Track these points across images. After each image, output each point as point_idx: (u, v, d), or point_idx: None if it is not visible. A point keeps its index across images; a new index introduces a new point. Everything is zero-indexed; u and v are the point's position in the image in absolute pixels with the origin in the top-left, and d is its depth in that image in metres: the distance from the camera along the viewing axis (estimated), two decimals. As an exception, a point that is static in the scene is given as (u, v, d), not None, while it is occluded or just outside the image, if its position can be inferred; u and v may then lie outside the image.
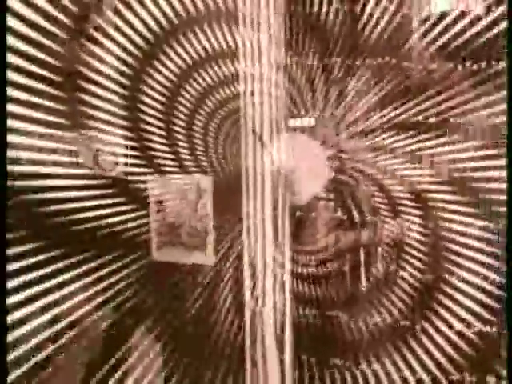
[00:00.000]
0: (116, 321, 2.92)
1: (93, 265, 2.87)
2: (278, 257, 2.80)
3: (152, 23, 2.93)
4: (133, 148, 3.03)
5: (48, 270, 2.79)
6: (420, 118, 2.57)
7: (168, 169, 2.98)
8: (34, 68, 2.83)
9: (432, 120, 2.55)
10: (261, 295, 2.85)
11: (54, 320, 2.82)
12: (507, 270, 2.53)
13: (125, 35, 2.95)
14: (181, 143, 2.95)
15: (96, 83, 2.99)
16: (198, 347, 3.01)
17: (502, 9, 2.43)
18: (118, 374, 2.79)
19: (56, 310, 2.82)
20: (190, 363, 3.01)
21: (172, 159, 2.97)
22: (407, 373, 2.67)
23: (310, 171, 2.76)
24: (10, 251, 2.66)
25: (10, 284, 2.60)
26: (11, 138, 2.87)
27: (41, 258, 2.82)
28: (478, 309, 2.54)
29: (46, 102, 2.95)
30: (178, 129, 2.96)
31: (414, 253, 2.65)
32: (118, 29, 2.95)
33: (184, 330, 3.03)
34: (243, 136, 2.81)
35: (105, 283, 2.88)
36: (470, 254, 2.55)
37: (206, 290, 2.98)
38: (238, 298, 2.89)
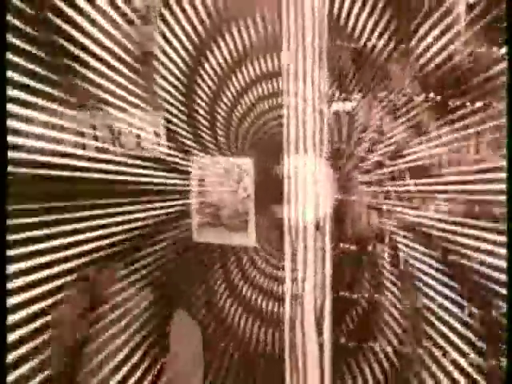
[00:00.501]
0: (156, 302, 2.97)
1: (134, 245, 2.92)
2: (319, 239, 2.81)
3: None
4: (175, 129, 3.06)
5: (92, 252, 2.86)
6: (464, 101, 2.54)
7: (210, 150, 3.00)
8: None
9: (476, 106, 2.52)
10: (301, 278, 2.87)
11: (97, 302, 2.90)
12: (507, 269, 2.53)
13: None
14: (223, 125, 2.97)
15: (146, 63, 3.04)
16: (237, 329, 3.05)
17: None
18: (155, 354, 2.85)
19: (98, 291, 2.89)
20: (228, 345, 3.06)
21: (214, 141, 3.00)
22: (449, 356, 2.67)
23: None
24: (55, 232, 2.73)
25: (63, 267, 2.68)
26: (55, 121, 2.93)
27: (85, 240, 2.89)
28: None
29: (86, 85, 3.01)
30: (220, 111, 2.97)
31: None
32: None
33: (223, 311, 3.07)
34: (285, 118, 2.82)
35: (146, 264, 2.93)
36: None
37: (246, 272, 3.01)
38: (278, 281, 2.91)
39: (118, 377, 2.79)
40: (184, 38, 2.97)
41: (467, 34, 2.53)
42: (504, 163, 2.55)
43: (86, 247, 2.89)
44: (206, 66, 2.96)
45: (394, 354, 2.78)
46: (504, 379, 2.49)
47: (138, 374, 2.80)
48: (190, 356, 2.85)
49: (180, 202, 3.10)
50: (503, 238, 2.52)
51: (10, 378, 2.48)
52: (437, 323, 2.68)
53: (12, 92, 2.79)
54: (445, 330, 2.67)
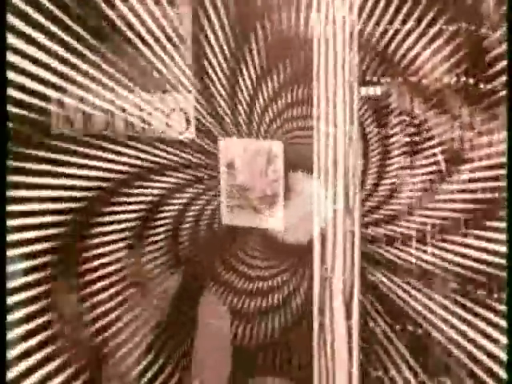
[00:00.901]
0: (185, 285, 3.00)
1: (163, 229, 2.95)
2: (349, 222, 2.83)
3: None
4: (204, 110, 3.08)
5: (119, 233, 2.90)
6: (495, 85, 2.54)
7: (240, 132, 3.02)
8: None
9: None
10: (330, 260, 2.88)
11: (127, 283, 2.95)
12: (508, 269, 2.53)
13: None
14: (253, 107, 2.98)
15: (174, 45, 3.06)
16: (265, 312, 3.08)
17: None
18: (184, 334, 2.89)
19: (128, 271, 2.93)
20: (254, 327, 3.08)
21: (244, 123, 3.01)
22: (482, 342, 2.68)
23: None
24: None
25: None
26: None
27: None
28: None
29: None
30: (251, 92, 2.98)
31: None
32: None
33: (251, 294, 3.10)
34: (316, 100, 2.82)
35: (176, 246, 2.96)
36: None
37: (275, 255, 3.03)
38: (307, 264, 2.93)
39: (149, 358, 2.84)
40: (215, 20, 2.99)
41: (495, 16, 2.52)
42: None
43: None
44: (238, 45, 2.98)
45: (423, 337, 2.79)
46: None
47: (167, 354, 2.85)
48: (218, 336, 2.89)
49: (209, 184, 3.12)
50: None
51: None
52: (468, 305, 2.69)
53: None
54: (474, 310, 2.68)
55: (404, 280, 2.78)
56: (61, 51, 3.25)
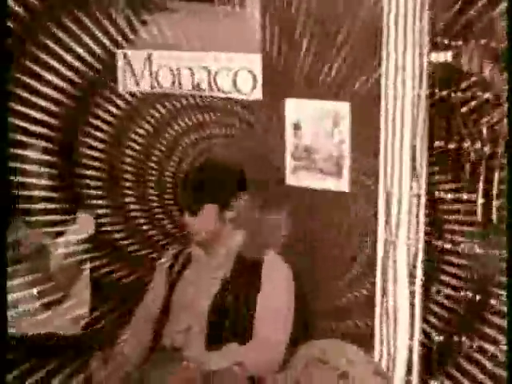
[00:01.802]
0: (249, 243, 3.05)
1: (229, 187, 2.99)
2: (415, 186, 2.83)
3: None
4: (272, 70, 3.10)
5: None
6: None
7: (306, 93, 3.04)
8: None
9: None
10: (395, 225, 2.89)
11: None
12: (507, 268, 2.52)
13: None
14: (321, 67, 2.99)
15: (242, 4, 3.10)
16: (328, 274, 3.11)
17: None
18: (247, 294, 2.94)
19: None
20: (318, 289, 3.12)
21: (311, 83, 3.03)
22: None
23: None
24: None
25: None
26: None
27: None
28: None
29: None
30: (318, 53, 2.99)
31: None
32: None
33: (316, 256, 3.13)
34: (384, 60, 2.82)
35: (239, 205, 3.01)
36: None
37: (339, 217, 3.05)
38: (372, 227, 2.94)
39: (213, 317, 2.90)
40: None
41: None
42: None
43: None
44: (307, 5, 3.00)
45: (484, 304, 2.81)
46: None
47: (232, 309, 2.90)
48: (281, 297, 2.92)
49: (273, 145, 3.16)
50: None
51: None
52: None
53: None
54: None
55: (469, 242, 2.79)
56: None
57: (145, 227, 3.55)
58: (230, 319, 2.89)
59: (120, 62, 3.41)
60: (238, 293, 2.92)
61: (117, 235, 3.59)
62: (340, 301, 3.09)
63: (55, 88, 3.50)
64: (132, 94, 3.44)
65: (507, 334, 2.52)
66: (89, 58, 3.46)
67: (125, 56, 3.40)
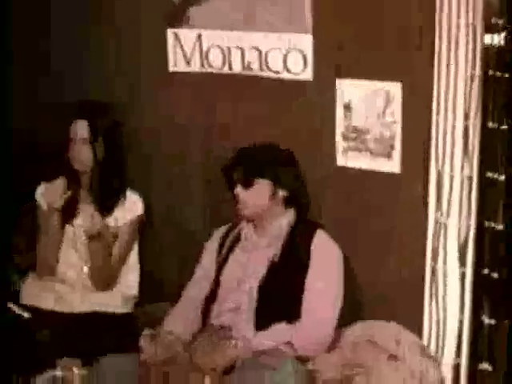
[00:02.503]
0: (299, 221, 3.08)
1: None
2: (467, 167, 2.83)
3: None
4: (322, 50, 3.11)
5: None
6: None
7: (357, 73, 3.04)
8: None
9: None
10: (446, 206, 2.89)
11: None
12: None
13: None
14: (372, 48, 3.00)
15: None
16: (377, 257, 3.12)
17: None
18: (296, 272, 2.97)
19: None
20: (366, 269, 3.14)
21: (362, 63, 3.03)
22: None
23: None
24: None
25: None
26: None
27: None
28: None
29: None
30: (370, 33, 3.00)
31: None
32: None
33: (365, 237, 3.14)
34: (437, 41, 2.82)
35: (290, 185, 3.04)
36: None
37: (390, 197, 3.06)
38: (423, 207, 2.95)
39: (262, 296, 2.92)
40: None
41: None
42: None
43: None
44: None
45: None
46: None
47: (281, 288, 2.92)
48: (330, 277, 2.94)
49: (324, 125, 3.17)
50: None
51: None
52: None
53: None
54: None
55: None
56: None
57: (193, 207, 3.58)
58: (279, 299, 2.92)
59: (170, 42, 3.46)
60: (287, 272, 2.96)
61: (166, 216, 3.64)
62: (389, 282, 3.10)
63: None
64: (182, 74, 3.48)
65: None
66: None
67: (175, 35, 3.44)
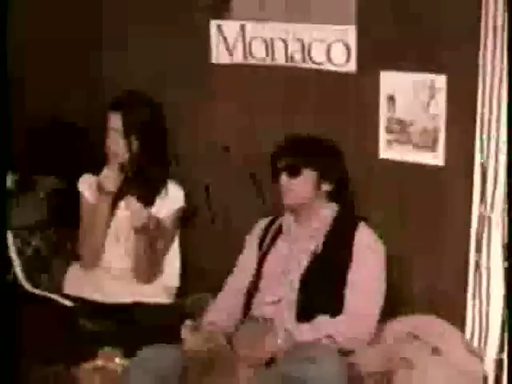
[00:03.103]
0: (341, 214, 3.09)
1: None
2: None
3: None
4: (366, 42, 3.11)
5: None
6: None
7: (401, 65, 3.04)
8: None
9: None
10: (490, 199, 2.88)
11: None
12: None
13: None
14: (416, 40, 3.00)
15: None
16: (420, 250, 3.12)
17: None
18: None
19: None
20: (409, 263, 3.14)
21: (406, 54, 3.03)
22: None
23: None
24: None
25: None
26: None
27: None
28: None
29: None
30: (414, 24, 2.99)
31: None
32: None
33: (408, 230, 3.14)
34: (482, 33, 2.81)
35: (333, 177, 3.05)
36: None
37: (433, 190, 3.06)
38: (466, 201, 2.94)
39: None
40: None
41: None
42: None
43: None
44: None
45: None
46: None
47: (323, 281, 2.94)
48: (373, 271, 2.95)
49: (367, 118, 3.18)
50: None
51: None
52: None
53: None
54: None
55: None
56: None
57: (235, 198, 3.60)
58: (321, 291, 2.94)
59: (213, 33, 3.48)
60: (329, 265, 2.98)
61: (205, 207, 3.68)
62: (432, 276, 3.10)
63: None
64: (224, 66, 3.50)
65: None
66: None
67: (218, 27, 3.46)
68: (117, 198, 3.44)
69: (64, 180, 3.70)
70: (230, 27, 3.43)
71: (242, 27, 3.39)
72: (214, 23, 3.48)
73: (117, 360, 3.07)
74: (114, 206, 3.45)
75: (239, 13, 3.41)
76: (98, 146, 3.47)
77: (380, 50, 3.10)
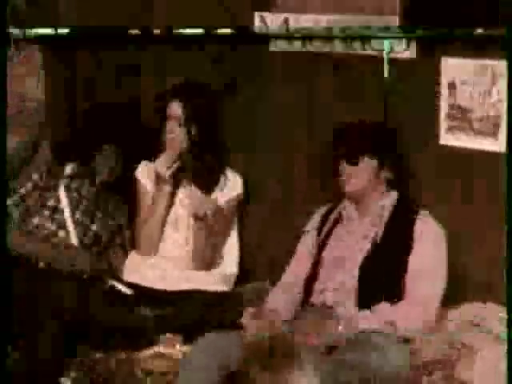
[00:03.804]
0: (401, 202, 3.11)
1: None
2: None
3: None
4: (424, 29, 3.12)
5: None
6: None
7: (462, 51, 3.04)
8: None
9: None
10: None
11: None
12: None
13: None
14: (474, 24, 2.98)
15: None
16: (481, 238, 3.12)
17: None
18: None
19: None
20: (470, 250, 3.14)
21: (465, 39, 3.02)
22: None
23: None
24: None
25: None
26: None
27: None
28: None
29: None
30: (473, 10, 2.98)
31: None
32: None
33: (468, 218, 3.14)
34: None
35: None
36: None
37: (494, 177, 3.04)
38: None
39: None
40: None
41: None
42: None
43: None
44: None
45: None
46: None
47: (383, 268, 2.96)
48: (434, 258, 2.96)
49: (427, 105, 3.18)
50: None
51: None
52: None
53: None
54: None
55: None
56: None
57: (293, 186, 3.63)
58: (381, 278, 2.97)
59: (257, 24, 3.52)
60: (390, 252, 3.00)
61: (265, 194, 3.71)
62: (493, 263, 3.09)
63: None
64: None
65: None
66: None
67: (261, 18, 3.49)
68: (175, 185, 3.50)
69: (122, 167, 3.74)
70: (274, 19, 3.46)
71: (286, 20, 3.42)
72: (257, 15, 3.51)
73: (177, 346, 3.13)
74: (172, 193, 3.50)
75: (284, 5, 3.44)
76: (157, 133, 3.52)
77: (439, 37, 3.09)
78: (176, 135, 3.44)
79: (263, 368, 2.80)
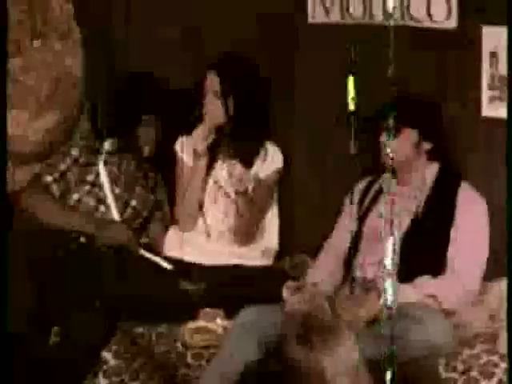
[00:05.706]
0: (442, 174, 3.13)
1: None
2: None
3: None
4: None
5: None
6: None
7: (505, 20, 3.01)
8: None
9: None
10: None
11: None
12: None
13: None
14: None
15: None
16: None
17: None
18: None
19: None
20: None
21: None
22: None
23: None
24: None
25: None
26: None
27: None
28: None
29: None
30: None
31: None
32: None
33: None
34: None
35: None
36: None
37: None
38: None
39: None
40: None
41: None
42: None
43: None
44: None
45: None
46: None
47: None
48: (476, 230, 2.98)
49: (468, 75, 3.18)
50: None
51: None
52: None
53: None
54: None
55: None
56: None
57: (333, 159, 3.64)
58: (422, 251, 2.99)
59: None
60: (431, 225, 3.03)
61: (305, 168, 3.74)
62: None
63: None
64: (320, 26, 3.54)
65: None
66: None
67: None
68: (213, 159, 3.53)
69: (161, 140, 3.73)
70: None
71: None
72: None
73: (218, 320, 3.18)
74: (210, 167, 3.54)
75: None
76: (195, 107, 3.55)
77: (482, 5, 3.09)
78: (213, 108, 3.46)
79: (303, 342, 2.87)
